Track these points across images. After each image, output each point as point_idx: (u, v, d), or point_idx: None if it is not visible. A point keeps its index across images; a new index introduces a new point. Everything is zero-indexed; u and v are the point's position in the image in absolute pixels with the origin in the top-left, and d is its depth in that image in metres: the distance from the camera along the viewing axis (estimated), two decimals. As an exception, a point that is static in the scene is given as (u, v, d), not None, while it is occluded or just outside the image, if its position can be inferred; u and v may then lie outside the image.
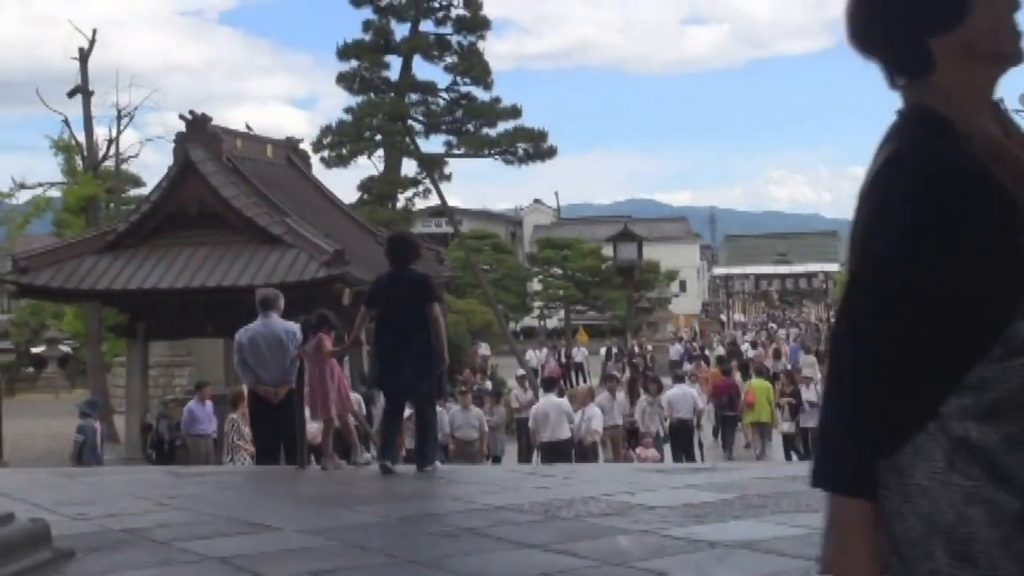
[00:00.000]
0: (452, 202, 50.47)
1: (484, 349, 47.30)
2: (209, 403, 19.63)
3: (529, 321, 79.30)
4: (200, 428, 19.43)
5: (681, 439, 21.58)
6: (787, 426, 24.26)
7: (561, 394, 20.09)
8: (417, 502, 7.85)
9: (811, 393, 23.32)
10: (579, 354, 49.89)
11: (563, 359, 48.58)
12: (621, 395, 21.41)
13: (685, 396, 22.44)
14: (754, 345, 50.13)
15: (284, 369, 10.73)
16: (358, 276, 22.84)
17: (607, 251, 67.57)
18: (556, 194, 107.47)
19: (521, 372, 29.18)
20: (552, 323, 79.02)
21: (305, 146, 30.93)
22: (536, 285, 76.50)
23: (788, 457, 23.89)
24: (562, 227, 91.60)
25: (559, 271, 73.91)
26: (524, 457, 21.76)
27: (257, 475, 10.65)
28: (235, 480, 9.75)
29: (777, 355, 39.03)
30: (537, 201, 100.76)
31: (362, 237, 28.11)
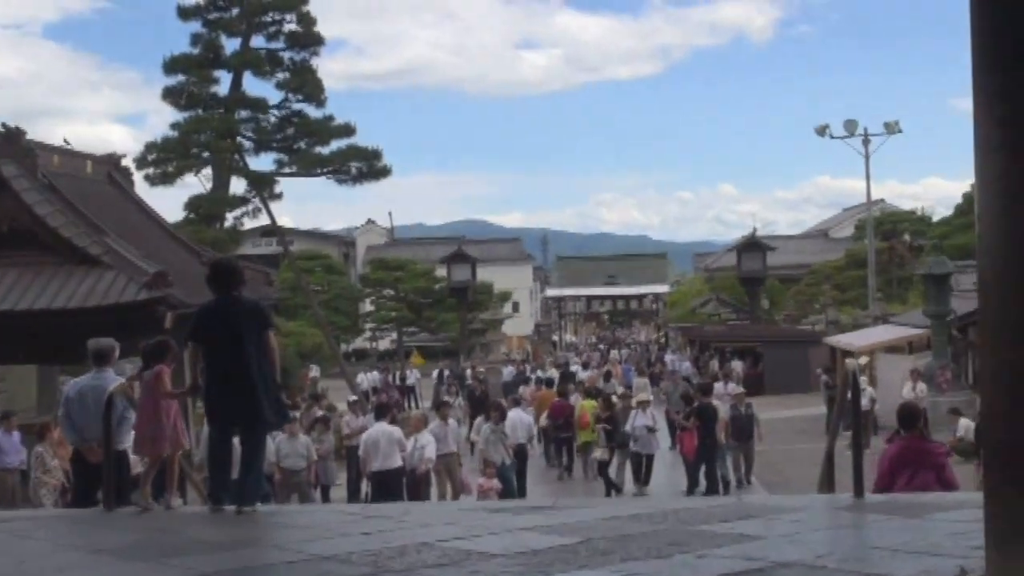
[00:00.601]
0: (284, 222, 49.45)
1: (315, 371, 46.33)
2: (16, 433, 18.45)
3: (361, 343, 78.38)
4: (6, 461, 18.24)
5: (518, 465, 21.19)
6: (600, 452, 23.39)
7: (393, 421, 19.45)
8: (234, 553, 7.14)
9: (647, 418, 23.00)
10: (411, 377, 49.23)
11: (396, 382, 47.88)
12: (453, 421, 20.90)
13: (522, 421, 22.10)
14: (585, 366, 50.33)
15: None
16: (180, 298, 21.86)
17: (440, 272, 67.47)
18: (390, 214, 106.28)
19: (353, 397, 28.45)
20: (384, 345, 78.26)
21: (129, 163, 29.72)
22: (368, 306, 75.73)
23: (608, 489, 22.81)
24: (395, 248, 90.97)
25: (392, 292, 73.28)
26: (354, 486, 21.07)
27: (59, 520, 9.76)
28: (32, 527, 8.85)
29: (608, 376, 39.20)
30: (370, 221, 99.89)
31: (186, 258, 27.08)
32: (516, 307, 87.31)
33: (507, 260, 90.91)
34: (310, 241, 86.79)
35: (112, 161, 28.06)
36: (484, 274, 77.15)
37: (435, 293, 70.56)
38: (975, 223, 3.14)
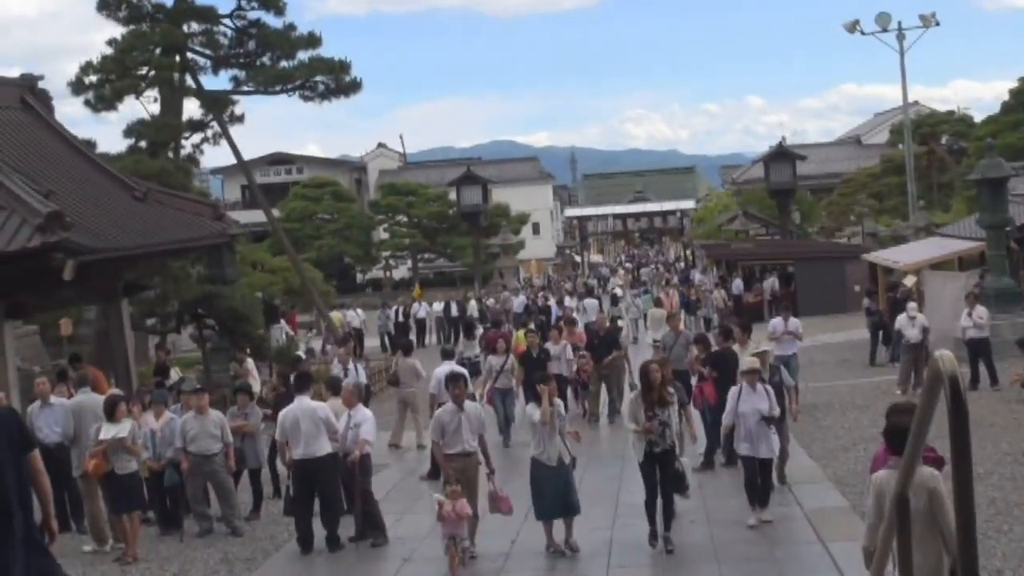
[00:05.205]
0: (306, 150, 45.05)
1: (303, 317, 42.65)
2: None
3: (376, 273, 75.06)
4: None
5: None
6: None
7: (337, 390, 15.47)
8: None
9: (761, 398, 13.91)
10: (421, 310, 45.10)
11: (402, 317, 44.02)
12: (473, 404, 15.17)
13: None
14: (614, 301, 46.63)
15: None
16: (81, 243, 18.00)
17: (455, 196, 63.43)
18: (400, 137, 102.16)
19: (302, 352, 24.39)
20: (401, 273, 74.93)
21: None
22: (382, 234, 72.38)
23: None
24: (409, 172, 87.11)
25: (404, 218, 69.74)
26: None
27: None
28: None
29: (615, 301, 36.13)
30: (381, 145, 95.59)
31: (115, 193, 23.12)
32: (536, 229, 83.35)
33: (525, 180, 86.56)
34: (321, 168, 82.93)
35: (27, 83, 24.00)
36: (501, 195, 73.28)
37: (450, 218, 66.80)
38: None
